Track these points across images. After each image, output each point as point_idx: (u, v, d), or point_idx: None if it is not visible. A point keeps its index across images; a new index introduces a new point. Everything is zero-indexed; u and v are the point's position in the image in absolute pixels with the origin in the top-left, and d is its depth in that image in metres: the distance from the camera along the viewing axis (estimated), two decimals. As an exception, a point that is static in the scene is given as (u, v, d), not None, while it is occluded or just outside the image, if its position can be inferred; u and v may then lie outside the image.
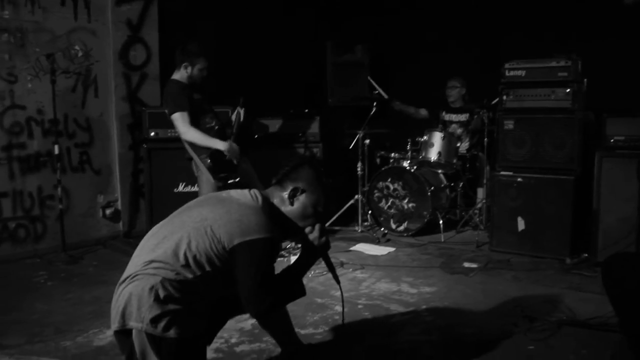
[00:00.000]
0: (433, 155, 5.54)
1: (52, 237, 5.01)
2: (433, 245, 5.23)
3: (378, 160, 5.96)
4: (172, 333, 2.18)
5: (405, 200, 5.59)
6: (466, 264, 4.56)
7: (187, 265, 2.24)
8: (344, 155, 6.14)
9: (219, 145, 4.34)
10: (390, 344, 3.12)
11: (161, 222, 2.48)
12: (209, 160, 4.33)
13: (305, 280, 3.78)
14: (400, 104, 6.34)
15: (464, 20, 6.33)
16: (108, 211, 5.48)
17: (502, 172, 4.85)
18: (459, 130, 5.98)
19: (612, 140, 4.41)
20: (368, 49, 6.71)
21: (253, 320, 3.17)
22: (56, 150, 4.82)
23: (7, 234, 4.81)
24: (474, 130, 5.90)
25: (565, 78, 4.54)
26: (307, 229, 2.52)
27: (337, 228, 5.74)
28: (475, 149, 5.94)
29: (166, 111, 4.46)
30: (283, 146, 5.84)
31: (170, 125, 4.51)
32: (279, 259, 4.47)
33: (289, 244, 4.78)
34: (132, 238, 5.41)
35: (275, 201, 2.51)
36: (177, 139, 4.54)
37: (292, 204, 2.49)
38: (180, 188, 5.27)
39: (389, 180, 5.68)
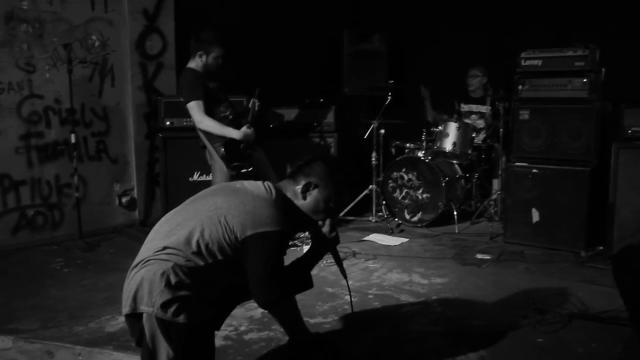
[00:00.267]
0: (448, 145, 5.50)
1: (70, 225, 5.09)
2: (447, 236, 5.21)
3: (393, 150, 5.94)
4: (181, 318, 2.21)
5: (420, 191, 5.57)
6: (479, 256, 4.54)
7: (198, 252, 2.28)
8: (360, 145, 6.13)
9: (234, 134, 4.36)
10: (399, 334, 3.13)
11: (175, 209, 2.52)
12: (223, 149, 4.35)
13: (316, 270, 3.82)
14: (428, 93, 6.18)
15: (482, 8, 6.25)
16: (124, 199, 5.55)
17: (517, 163, 4.80)
18: (479, 122, 5.93)
19: (629, 132, 4.34)
20: (385, 38, 6.68)
21: (263, 309, 3.19)
22: (73, 139, 4.89)
23: (25, 221, 4.90)
24: (488, 124, 5.84)
25: (582, 68, 4.47)
26: (319, 223, 2.56)
27: (351, 218, 5.73)
28: (491, 140, 5.89)
29: (181, 99, 4.49)
30: (298, 136, 5.85)
31: (186, 114, 4.54)
32: (292, 248, 4.55)
33: (302, 234, 4.80)
34: (148, 226, 5.44)
35: (288, 194, 2.53)
36: (192, 128, 4.57)
37: (304, 198, 2.52)
38: (195, 177, 5.31)
39: (403, 170, 5.66)
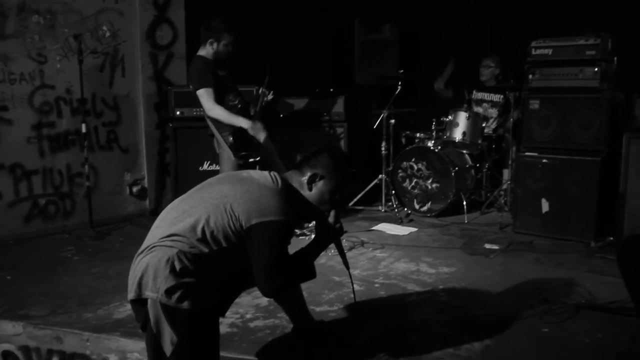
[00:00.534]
0: (458, 135, 5.47)
1: (81, 214, 5.15)
2: (456, 226, 5.20)
3: (403, 140, 5.91)
4: (185, 304, 2.24)
5: (429, 181, 5.55)
6: (487, 246, 4.53)
7: (203, 239, 2.31)
8: (371, 135, 6.12)
9: (243, 123, 4.37)
10: (404, 322, 3.13)
11: (181, 197, 2.55)
12: (231, 138, 4.37)
13: (323, 259, 3.83)
14: (451, 69, 6.03)
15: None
16: (135, 189, 5.60)
17: (527, 153, 4.76)
18: (491, 110, 5.89)
19: (641, 121, 4.29)
20: (396, 27, 6.64)
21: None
22: (84, 128, 4.94)
23: (37, 210, 4.97)
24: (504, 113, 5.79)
25: (594, 57, 4.42)
26: (324, 214, 2.58)
27: (360, 207, 5.73)
28: (502, 129, 5.84)
29: (191, 87, 4.50)
30: (308, 125, 5.86)
31: (196, 104, 4.55)
32: (300, 237, 4.57)
33: (311, 224, 4.81)
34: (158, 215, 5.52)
35: (294, 185, 2.56)
36: (202, 118, 4.59)
37: (310, 189, 2.54)
38: (205, 166, 5.35)
39: (413, 160, 5.64)
